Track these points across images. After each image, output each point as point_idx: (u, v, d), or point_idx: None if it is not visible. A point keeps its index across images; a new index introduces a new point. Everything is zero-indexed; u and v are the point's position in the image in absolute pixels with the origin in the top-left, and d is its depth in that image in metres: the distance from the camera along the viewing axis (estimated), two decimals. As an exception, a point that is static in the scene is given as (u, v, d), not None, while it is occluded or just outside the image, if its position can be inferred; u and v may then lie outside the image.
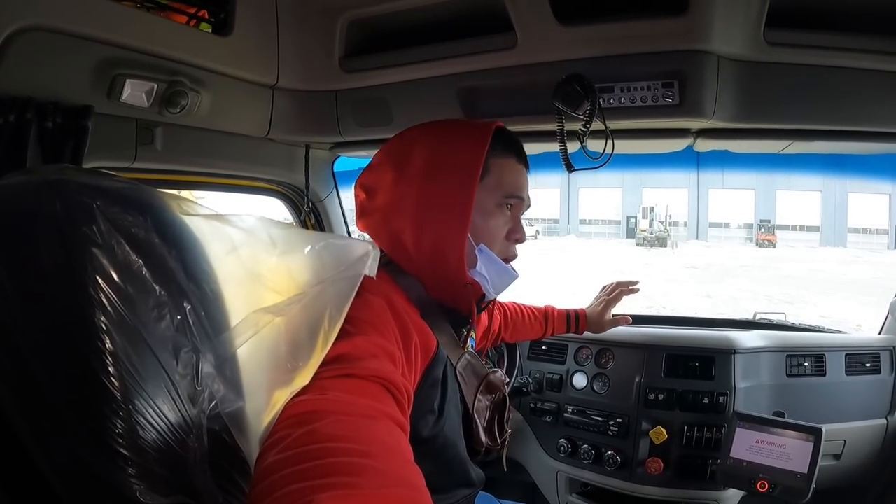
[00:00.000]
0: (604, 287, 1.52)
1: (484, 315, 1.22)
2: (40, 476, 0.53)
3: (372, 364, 0.62)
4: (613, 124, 1.03)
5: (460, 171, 0.83)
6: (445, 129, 0.90)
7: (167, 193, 0.61)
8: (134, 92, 0.98)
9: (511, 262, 0.93)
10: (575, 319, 1.47)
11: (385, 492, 0.44)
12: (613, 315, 1.48)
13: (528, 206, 0.94)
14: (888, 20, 0.94)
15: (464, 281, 0.84)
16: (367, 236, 0.91)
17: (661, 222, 24.01)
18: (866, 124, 1.05)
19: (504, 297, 1.41)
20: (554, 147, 1.09)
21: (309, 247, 0.66)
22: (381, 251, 0.85)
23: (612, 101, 1.03)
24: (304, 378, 0.57)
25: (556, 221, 27.70)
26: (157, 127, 1.12)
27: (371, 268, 0.68)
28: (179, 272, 0.59)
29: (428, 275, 0.86)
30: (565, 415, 1.56)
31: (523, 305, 1.45)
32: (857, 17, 0.95)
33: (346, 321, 0.65)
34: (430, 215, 0.83)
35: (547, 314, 1.47)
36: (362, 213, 0.91)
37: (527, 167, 0.94)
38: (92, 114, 0.93)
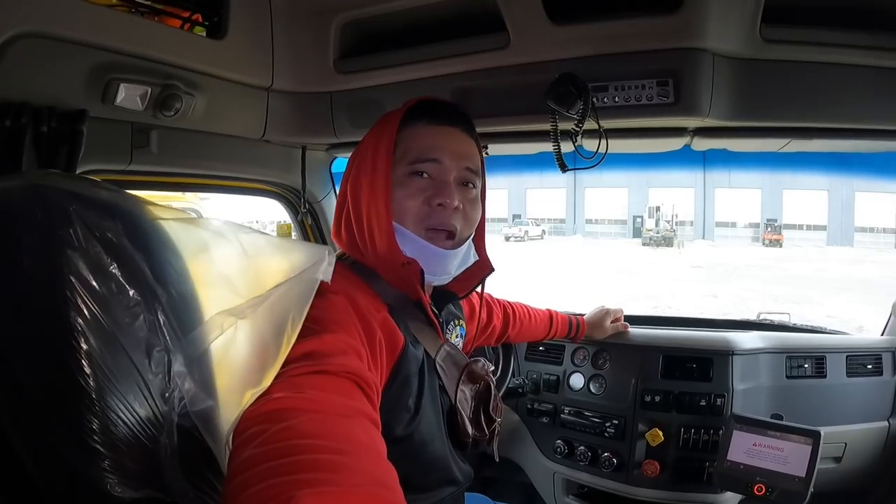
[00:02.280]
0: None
1: (482, 310, 1.22)
2: (24, 470, 0.56)
3: (342, 360, 0.63)
4: (608, 124, 1.03)
5: (374, 152, 0.84)
6: (376, 123, 0.90)
7: (143, 198, 0.64)
8: (128, 96, 0.99)
9: (453, 238, 0.85)
10: (576, 325, 1.52)
11: (362, 490, 0.45)
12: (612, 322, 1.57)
13: (470, 172, 0.87)
14: (885, 16, 0.93)
15: (400, 260, 0.81)
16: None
17: (668, 222, 23.97)
18: (866, 122, 1.05)
19: (513, 298, 1.43)
20: (549, 147, 1.09)
21: (269, 250, 0.68)
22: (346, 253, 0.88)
23: (606, 100, 1.02)
24: (269, 378, 0.59)
25: (563, 221, 27.68)
26: (153, 130, 1.12)
27: (325, 272, 0.68)
28: (149, 275, 0.61)
29: (379, 265, 0.84)
30: (562, 416, 1.56)
31: (528, 306, 1.45)
32: (855, 12, 0.94)
33: (310, 321, 0.66)
34: (360, 204, 0.84)
35: (552, 316, 1.49)
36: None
37: (457, 127, 0.88)
38: (87, 118, 0.94)
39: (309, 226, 1.67)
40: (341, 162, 1.68)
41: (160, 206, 0.63)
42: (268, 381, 0.58)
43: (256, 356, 0.60)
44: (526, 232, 24.46)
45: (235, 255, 0.66)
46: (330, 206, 1.69)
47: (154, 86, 1.01)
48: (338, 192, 1.72)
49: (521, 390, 1.59)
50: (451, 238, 0.85)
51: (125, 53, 0.95)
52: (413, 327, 0.84)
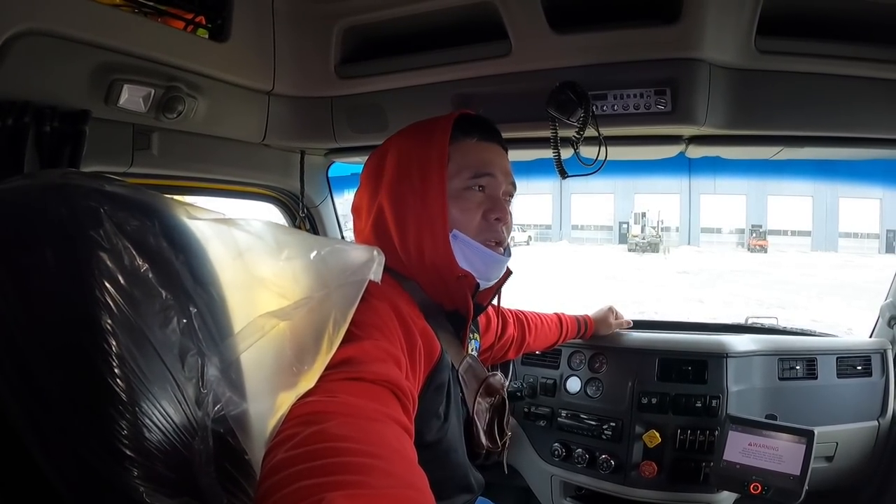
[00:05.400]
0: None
1: (493, 321, 1.23)
2: (44, 480, 0.53)
3: (379, 368, 0.63)
4: (606, 131, 1.04)
5: (425, 163, 0.84)
6: (410, 130, 0.91)
7: (172, 198, 0.62)
8: (131, 97, 0.98)
9: (502, 247, 0.90)
10: (584, 323, 1.55)
11: (393, 492, 0.45)
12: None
13: (513, 186, 0.92)
14: (878, 28, 0.96)
15: (455, 273, 0.84)
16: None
17: (653, 228, 24.13)
18: (856, 130, 1.07)
19: (512, 306, 1.44)
20: (548, 153, 1.10)
21: (315, 252, 0.66)
22: None
23: (605, 108, 1.04)
24: (308, 381, 0.58)
25: (549, 227, 27.76)
26: (154, 132, 1.12)
27: (376, 273, 0.68)
28: (186, 276, 0.59)
29: (422, 276, 0.86)
30: (559, 419, 1.56)
31: (539, 313, 1.47)
32: (847, 24, 0.97)
33: (353, 324, 0.66)
34: (407, 214, 0.84)
35: (561, 319, 1.50)
36: (356, 233, 0.94)
37: (500, 144, 0.93)
38: (89, 118, 0.93)
39: (306, 231, 1.66)
40: (338, 166, 1.68)
41: (196, 206, 0.62)
42: (305, 384, 0.57)
43: (293, 358, 0.59)
44: (512, 238, 24.39)
45: (275, 256, 0.64)
46: (327, 210, 1.69)
47: (157, 87, 1.01)
48: (340, 196, 1.72)
49: (518, 394, 1.60)
50: (500, 245, 0.90)
51: (129, 54, 0.95)
52: (441, 337, 0.85)
